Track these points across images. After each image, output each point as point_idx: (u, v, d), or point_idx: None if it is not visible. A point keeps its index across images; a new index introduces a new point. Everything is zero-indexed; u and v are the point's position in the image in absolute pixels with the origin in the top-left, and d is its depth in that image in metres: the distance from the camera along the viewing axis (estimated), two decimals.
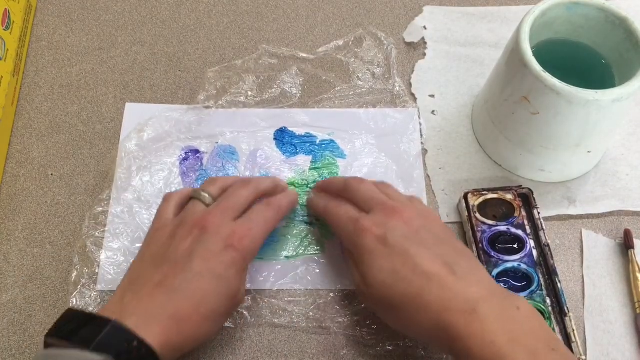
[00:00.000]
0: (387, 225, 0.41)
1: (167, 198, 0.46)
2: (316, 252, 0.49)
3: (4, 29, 0.55)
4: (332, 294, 0.48)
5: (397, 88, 0.57)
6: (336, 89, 0.57)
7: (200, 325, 0.39)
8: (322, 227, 0.50)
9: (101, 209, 0.50)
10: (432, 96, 0.57)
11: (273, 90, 0.57)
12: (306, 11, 0.63)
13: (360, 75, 0.58)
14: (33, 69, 0.58)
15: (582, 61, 0.50)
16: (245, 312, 0.47)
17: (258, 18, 0.62)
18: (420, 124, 0.56)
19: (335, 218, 0.45)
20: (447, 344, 0.37)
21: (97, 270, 0.48)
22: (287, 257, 0.49)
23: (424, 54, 0.60)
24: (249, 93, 0.57)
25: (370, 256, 0.40)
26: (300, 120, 0.55)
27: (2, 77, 0.53)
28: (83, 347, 0.34)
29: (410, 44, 0.61)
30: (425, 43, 0.60)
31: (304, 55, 0.59)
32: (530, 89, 0.46)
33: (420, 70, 0.59)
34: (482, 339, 0.35)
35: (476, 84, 0.58)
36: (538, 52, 0.46)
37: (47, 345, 0.36)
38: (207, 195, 0.44)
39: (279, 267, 0.49)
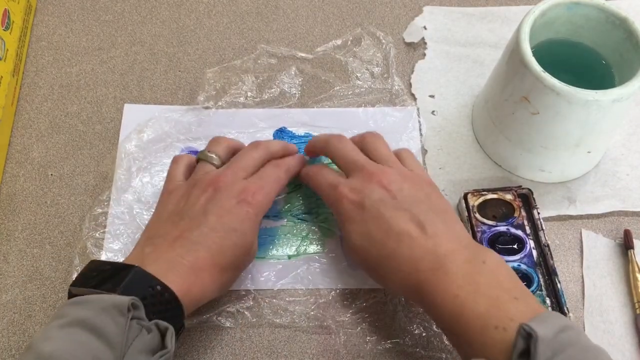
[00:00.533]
0: (364, 191, 0.42)
1: (176, 160, 0.47)
2: (317, 251, 0.49)
3: (4, 29, 0.55)
4: (333, 293, 0.48)
5: (396, 87, 0.57)
6: (335, 88, 0.57)
7: (218, 276, 0.40)
8: (323, 226, 0.50)
9: (101, 210, 0.50)
10: (432, 96, 0.57)
11: (272, 90, 0.57)
12: (306, 11, 0.63)
13: (359, 74, 0.58)
14: (33, 69, 0.58)
15: (582, 61, 0.50)
16: (246, 312, 0.47)
17: (258, 18, 0.62)
18: (420, 122, 0.56)
19: (316, 184, 0.46)
20: (418, 299, 0.39)
21: None
22: (289, 256, 0.49)
23: (424, 54, 0.60)
24: (248, 93, 0.57)
25: (349, 222, 0.42)
26: (299, 120, 0.55)
27: (2, 77, 0.53)
28: (109, 293, 0.35)
29: (410, 44, 0.61)
30: (425, 43, 0.60)
31: (303, 55, 0.59)
32: (530, 89, 0.46)
33: (420, 70, 0.59)
34: (446, 292, 0.37)
35: (476, 84, 0.58)
36: (538, 52, 0.46)
37: (71, 295, 0.37)
38: (214, 156, 0.46)
39: (280, 266, 0.49)
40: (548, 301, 0.46)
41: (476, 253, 0.39)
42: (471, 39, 0.61)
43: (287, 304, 0.47)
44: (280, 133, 0.55)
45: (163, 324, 0.35)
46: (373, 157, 0.45)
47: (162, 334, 0.35)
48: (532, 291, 0.46)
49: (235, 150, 0.48)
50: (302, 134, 0.55)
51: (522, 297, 0.36)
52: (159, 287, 0.36)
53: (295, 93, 0.57)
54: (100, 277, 0.37)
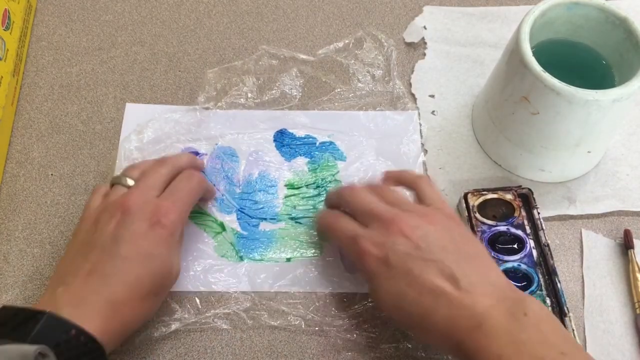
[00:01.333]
0: (387, 244, 0.39)
1: (95, 190, 0.45)
2: (314, 254, 0.49)
3: (4, 29, 0.55)
4: (330, 297, 0.48)
5: (397, 90, 0.57)
6: (336, 90, 0.57)
7: (139, 307, 0.39)
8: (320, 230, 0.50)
9: None
10: (432, 96, 0.57)
11: (273, 92, 0.57)
12: (306, 11, 0.63)
13: (360, 77, 0.58)
14: (33, 69, 0.58)
15: (582, 61, 0.50)
16: (243, 314, 0.46)
17: (258, 18, 0.62)
18: (420, 125, 0.55)
19: (335, 236, 0.44)
20: (457, 355, 0.37)
21: None
22: (287, 258, 0.49)
23: (424, 54, 0.60)
24: (249, 94, 0.57)
25: (376, 279, 0.39)
26: (300, 122, 0.55)
27: (2, 77, 0.53)
28: (20, 342, 0.33)
29: (410, 44, 0.61)
30: (425, 43, 0.60)
31: (304, 57, 0.59)
32: (530, 89, 0.46)
33: (420, 70, 0.59)
34: (489, 353, 0.35)
35: (476, 84, 0.58)
36: (538, 52, 0.46)
37: None
38: (127, 179, 0.44)
39: (277, 269, 0.49)
40: (548, 301, 0.46)
41: (516, 304, 0.36)
42: (471, 39, 0.61)
43: (285, 306, 0.47)
44: (281, 135, 0.55)
45: None
46: (387, 200, 0.43)
47: None
48: (532, 291, 0.46)
49: None
50: (303, 136, 0.55)
51: (567, 352, 0.34)
52: (73, 331, 0.34)
53: (296, 95, 0.57)
54: (10, 325, 0.35)
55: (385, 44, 0.59)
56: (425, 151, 0.54)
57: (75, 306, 0.36)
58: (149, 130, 0.54)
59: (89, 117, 0.56)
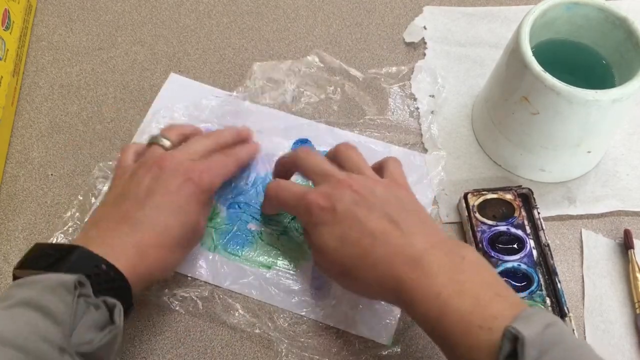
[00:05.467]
0: (335, 195, 0.41)
1: (124, 149, 0.47)
2: (287, 268, 0.48)
3: (4, 29, 0.55)
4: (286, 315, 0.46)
5: (427, 135, 0.55)
6: (367, 117, 0.56)
7: (163, 255, 0.40)
8: (304, 246, 0.49)
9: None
10: (432, 96, 0.57)
11: (311, 100, 0.56)
12: (306, 11, 0.63)
13: (396, 107, 0.56)
14: (33, 69, 0.58)
15: (582, 61, 0.50)
16: (198, 301, 0.46)
17: (258, 18, 0.62)
18: (442, 174, 0.53)
19: (282, 199, 0.44)
20: (395, 297, 0.38)
21: None
22: (264, 265, 0.48)
23: (424, 54, 0.60)
24: (287, 96, 0.56)
25: (320, 227, 0.40)
26: (323, 139, 0.54)
27: (2, 77, 0.53)
28: (55, 273, 0.35)
29: (410, 44, 0.61)
30: (425, 43, 0.60)
31: (353, 72, 0.58)
32: (530, 89, 0.46)
33: (420, 70, 0.59)
34: (427, 289, 0.36)
35: (476, 84, 0.58)
36: (538, 52, 0.46)
37: (15, 278, 0.37)
38: (165, 140, 0.45)
39: (246, 269, 0.48)
40: (548, 301, 0.46)
41: (454, 249, 0.38)
42: (471, 39, 0.61)
43: (240, 306, 0.46)
44: (301, 144, 0.54)
45: (111, 300, 0.35)
46: (345, 167, 0.44)
47: (110, 310, 0.35)
48: (532, 291, 0.46)
49: (188, 138, 0.47)
50: (322, 151, 0.54)
51: (504, 294, 0.35)
52: (104, 266, 0.36)
53: (330, 111, 0.56)
54: (45, 259, 0.36)
55: (439, 81, 0.58)
56: (426, 150, 0.54)
57: (106, 246, 0.38)
58: (181, 110, 0.55)
59: (89, 117, 0.56)
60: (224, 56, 0.60)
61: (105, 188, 0.51)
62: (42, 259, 0.36)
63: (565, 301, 0.46)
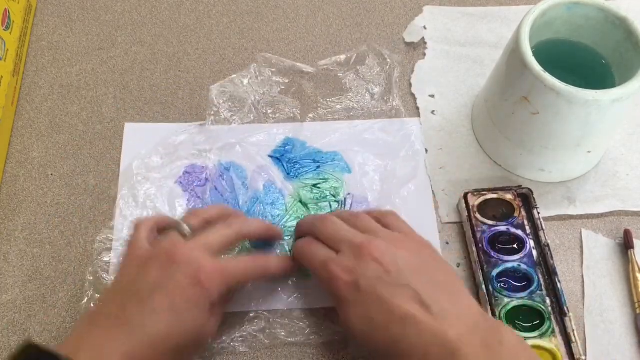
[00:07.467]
0: (357, 270, 0.38)
1: (138, 226, 0.43)
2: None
3: (4, 29, 0.55)
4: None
5: (396, 110, 0.56)
6: (331, 105, 0.56)
7: None
8: None
9: (107, 235, 0.50)
10: (432, 96, 0.57)
11: (277, 106, 0.56)
12: (306, 11, 0.63)
13: (359, 92, 0.57)
14: (33, 69, 0.58)
15: (582, 61, 0.50)
16: (259, 335, 0.46)
17: (258, 18, 0.62)
18: (420, 124, 0.55)
19: (307, 262, 0.43)
20: None
21: None
22: (307, 274, 0.48)
23: (424, 54, 0.60)
24: (253, 110, 0.56)
25: (346, 305, 0.39)
26: (304, 136, 0.54)
27: (2, 77, 0.53)
28: None
29: (410, 44, 0.61)
30: (425, 43, 0.60)
31: (304, 68, 0.58)
32: (530, 89, 0.46)
33: (420, 70, 0.59)
34: None
35: (476, 84, 0.58)
36: (538, 52, 0.46)
37: None
38: (186, 227, 0.42)
39: (290, 283, 0.48)
40: (548, 301, 0.46)
41: (491, 332, 0.35)
42: (471, 39, 0.61)
43: (300, 320, 0.46)
44: (288, 144, 0.54)
45: None
46: (358, 228, 0.42)
47: None
48: (532, 291, 0.46)
49: (211, 223, 0.44)
50: (308, 147, 0.54)
51: None
52: None
53: (297, 112, 0.56)
54: None
55: (388, 60, 0.59)
56: (426, 151, 0.54)
57: (94, 353, 0.36)
58: (153, 157, 0.53)
59: (89, 117, 0.56)
60: (224, 56, 0.60)
61: (111, 259, 0.48)
62: None
63: (565, 301, 0.46)
